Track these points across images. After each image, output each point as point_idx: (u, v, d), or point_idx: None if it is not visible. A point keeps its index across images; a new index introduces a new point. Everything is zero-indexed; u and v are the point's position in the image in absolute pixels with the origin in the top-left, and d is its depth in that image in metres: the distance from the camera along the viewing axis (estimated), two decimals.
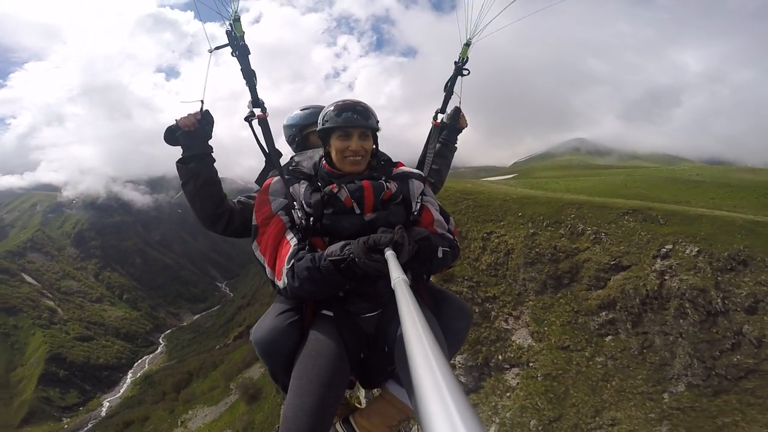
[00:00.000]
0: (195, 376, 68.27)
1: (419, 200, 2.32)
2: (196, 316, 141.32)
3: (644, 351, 16.17)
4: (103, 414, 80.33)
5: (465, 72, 2.96)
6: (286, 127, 3.08)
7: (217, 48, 2.40)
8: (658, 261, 16.23)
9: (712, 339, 14.76)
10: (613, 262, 17.55)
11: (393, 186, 2.23)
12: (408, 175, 2.37)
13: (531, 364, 17.77)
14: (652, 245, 16.77)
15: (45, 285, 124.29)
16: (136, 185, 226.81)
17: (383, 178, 2.25)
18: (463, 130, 3.21)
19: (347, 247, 1.85)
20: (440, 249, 2.09)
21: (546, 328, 18.11)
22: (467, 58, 2.95)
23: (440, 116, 3.03)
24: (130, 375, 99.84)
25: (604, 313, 17.10)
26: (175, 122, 2.41)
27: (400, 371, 2.03)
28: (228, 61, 2.48)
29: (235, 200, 2.61)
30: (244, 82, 2.44)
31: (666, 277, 15.84)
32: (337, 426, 2.43)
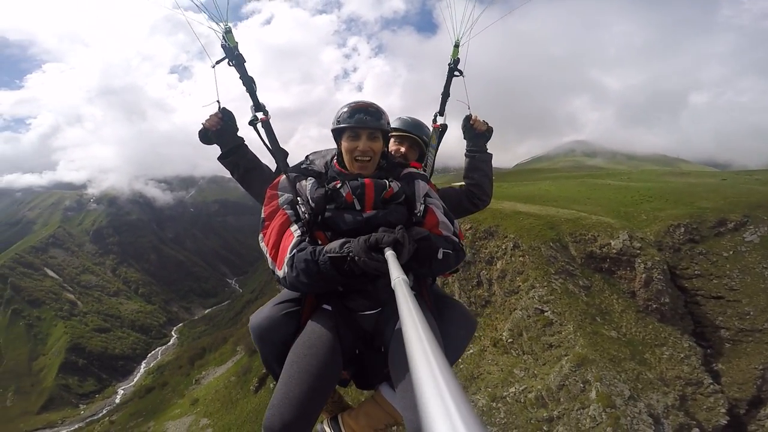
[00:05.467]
0: (208, 350, 78.32)
1: (423, 202, 2.41)
2: (207, 310, 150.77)
3: (443, 286, 28.57)
4: (117, 401, 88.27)
5: (457, 73, 3.26)
6: None
7: (217, 62, 2.71)
8: None
9: (467, 278, 27.32)
10: None
11: (395, 186, 2.34)
12: (414, 176, 2.50)
13: None
14: None
15: (66, 279, 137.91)
16: (158, 182, 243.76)
17: (388, 178, 2.37)
18: (490, 133, 3.24)
19: (347, 245, 1.93)
20: (441, 250, 2.14)
21: None
22: (458, 58, 3.24)
23: (439, 119, 3.32)
24: (143, 365, 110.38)
25: None
26: (202, 126, 2.76)
27: (392, 370, 2.11)
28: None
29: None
30: (245, 89, 2.70)
31: None
32: (324, 424, 2.67)
